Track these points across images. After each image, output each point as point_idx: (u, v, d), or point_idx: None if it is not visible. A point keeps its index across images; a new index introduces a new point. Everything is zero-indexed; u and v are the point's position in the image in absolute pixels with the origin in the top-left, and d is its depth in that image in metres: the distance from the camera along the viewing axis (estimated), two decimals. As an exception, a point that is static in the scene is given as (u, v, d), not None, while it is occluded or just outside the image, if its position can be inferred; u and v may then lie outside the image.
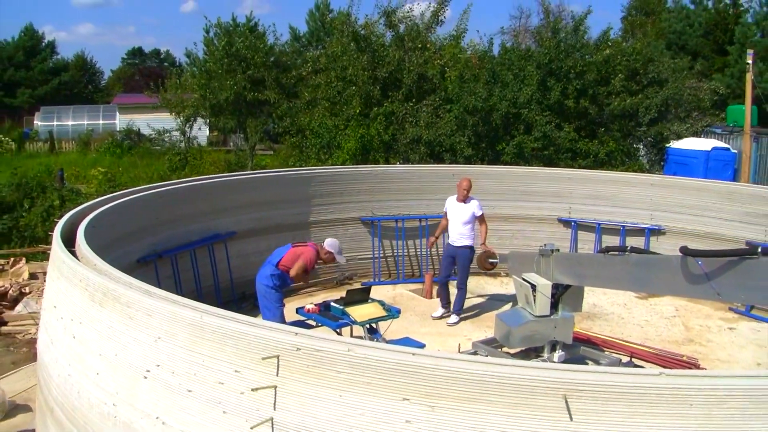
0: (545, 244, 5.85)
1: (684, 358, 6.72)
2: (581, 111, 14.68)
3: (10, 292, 8.79)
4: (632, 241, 9.03)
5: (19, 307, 8.52)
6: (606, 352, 6.52)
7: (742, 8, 29.28)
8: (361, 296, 6.84)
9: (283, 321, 6.35)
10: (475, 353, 5.98)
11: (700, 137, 16.32)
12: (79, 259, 4.45)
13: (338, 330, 6.38)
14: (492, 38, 17.64)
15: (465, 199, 7.90)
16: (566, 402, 2.73)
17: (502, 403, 2.80)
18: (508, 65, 15.00)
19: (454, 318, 7.86)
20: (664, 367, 6.38)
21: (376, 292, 7.86)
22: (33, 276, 9.57)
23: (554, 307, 5.70)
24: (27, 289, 8.92)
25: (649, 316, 8.21)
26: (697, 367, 6.57)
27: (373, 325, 6.67)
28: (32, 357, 6.83)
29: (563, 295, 5.71)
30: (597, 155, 14.18)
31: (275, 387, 3.10)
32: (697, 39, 28.82)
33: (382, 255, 9.55)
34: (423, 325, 7.76)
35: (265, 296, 6.50)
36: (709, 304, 8.34)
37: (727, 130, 19.03)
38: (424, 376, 2.88)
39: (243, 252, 8.39)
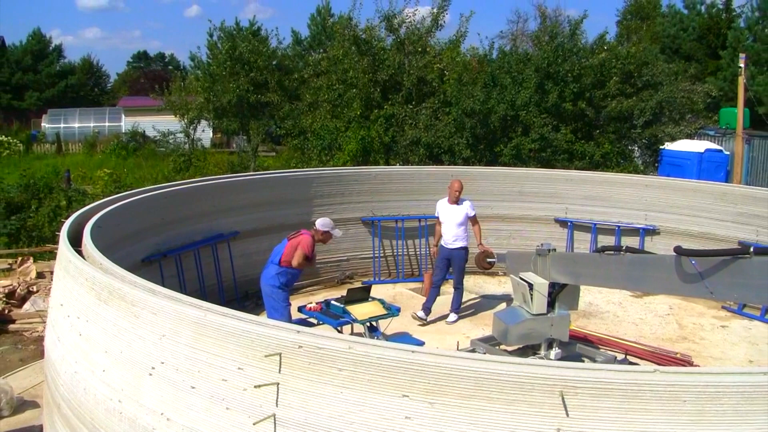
0: (542, 244, 5.85)
1: (678, 356, 6.72)
2: (578, 113, 14.68)
3: (18, 290, 8.79)
4: (627, 241, 9.03)
5: (26, 306, 8.52)
6: (601, 350, 6.52)
7: (734, 13, 29.31)
8: (362, 295, 6.84)
9: (290, 320, 6.34)
10: (473, 351, 5.97)
11: (693, 139, 16.34)
12: (85, 259, 4.45)
13: (339, 328, 6.37)
14: (492, 41, 17.65)
15: (457, 200, 7.84)
16: (563, 398, 2.73)
17: (500, 399, 2.80)
18: (507, 69, 15.00)
19: (452, 317, 7.85)
20: (659, 364, 6.38)
21: (377, 290, 7.86)
22: (40, 275, 9.56)
23: (551, 305, 5.70)
24: (34, 288, 8.92)
25: (643, 315, 8.21)
26: (691, 364, 6.57)
27: (374, 323, 6.67)
28: (40, 354, 6.83)
29: (560, 294, 5.71)
30: (593, 157, 14.18)
31: (277, 384, 3.10)
32: (691, 43, 28.82)
33: (382, 254, 9.55)
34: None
35: (271, 296, 6.46)
36: (703, 302, 8.34)
37: (719, 133, 19.06)
38: (423, 373, 2.88)
39: (246, 251, 8.39)
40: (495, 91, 14.31)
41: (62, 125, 35.49)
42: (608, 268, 5.12)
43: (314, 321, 6.62)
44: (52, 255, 10.20)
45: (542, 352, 5.82)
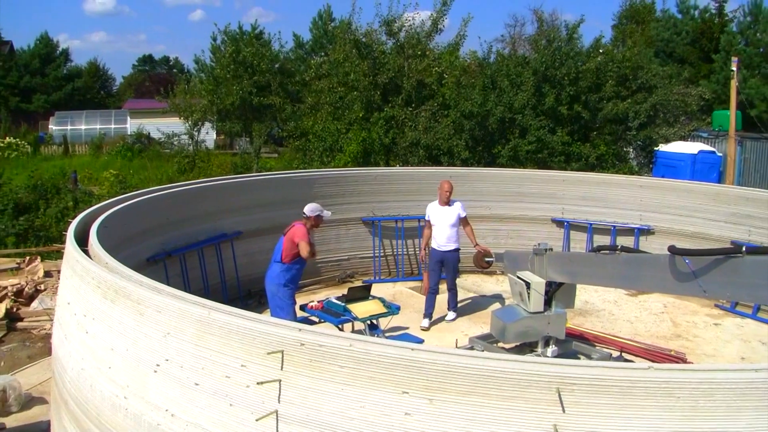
0: (539, 244, 5.84)
1: (672, 353, 6.72)
2: (574, 116, 14.68)
3: (26, 289, 8.79)
4: (622, 241, 9.03)
5: (34, 304, 8.53)
6: (597, 347, 6.51)
7: (727, 18, 29.31)
8: (362, 293, 6.84)
9: (295, 318, 6.31)
10: (471, 348, 5.97)
11: (687, 141, 16.35)
12: (91, 258, 4.45)
13: (340, 326, 6.37)
14: (491, 45, 17.66)
15: (448, 201, 7.67)
16: (559, 395, 2.73)
17: (497, 396, 2.80)
18: (505, 72, 15.00)
19: (451, 315, 7.82)
20: (653, 361, 6.38)
21: (377, 289, 7.86)
22: (48, 274, 9.57)
23: (548, 303, 5.69)
24: (42, 287, 8.93)
25: (638, 313, 8.21)
26: (684, 361, 6.57)
27: (374, 321, 6.67)
28: (47, 351, 6.84)
29: (556, 293, 5.70)
30: (589, 158, 14.17)
31: (280, 381, 3.10)
32: (685, 47, 28.83)
33: (382, 254, 9.54)
34: (422, 320, 7.75)
35: (277, 295, 6.39)
36: (696, 300, 8.33)
37: (713, 134, 19.07)
38: (422, 371, 2.88)
39: (249, 251, 8.38)
40: (493, 94, 14.31)
41: (69, 127, 35.50)
42: (604, 268, 5.12)
43: (316, 319, 6.62)
44: (59, 254, 10.21)
45: (539, 350, 5.81)
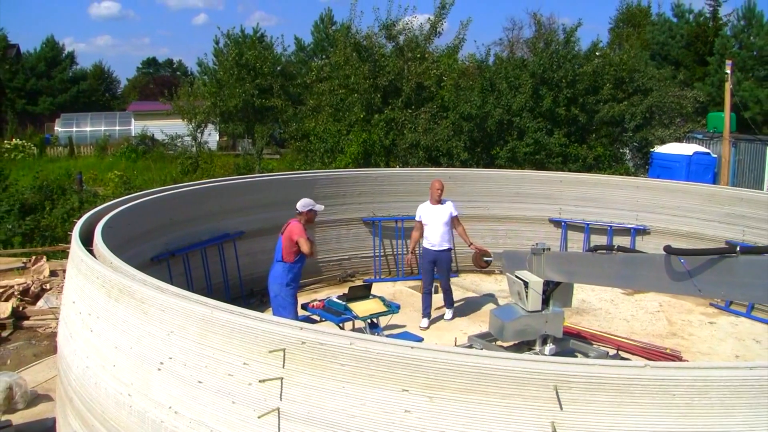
0: (537, 243, 5.84)
1: (667, 351, 6.72)
2: (571, 118, 14.68)
3: (32, 288, 8.79)
4: (619, 241, 9.02)
5: (40, 303, 8.52)
6: (594, 346, 6.50)
7: (721, 21, 29.31)
8: (363, 293, 6.84)
9: (297, 317, 6.29)
10: (470, 347, 5.96)
11: (682, 142, 16.32)
12: (96, 258, 4.45)
13: (341, 324, 6.37)
14: (489, 48, 17.67)
15: (439, 200, 7.56)
16: (557, 392, 2.73)
17: (496, 393, 2.80)
18: (503, 74, 15.00)
19: (449, 314, 7.78)
20: (649, 359, 6.38)
21: (377, 288, 7.86)
22: (53, 273, 9.57)
23: (545, 302, 5.69)
24: (48, 286, 8.92)
25: (634, 311, 8.20)
26: (680, 359, 6.57)
27: (374, 320, 6.67)
28: (53, 349, 6.83)
29: (554, 292, 5.70)
30: (586, 159, 14.18)
31: (281, 379, 3.10)
32: (680, 50, 28.82)
33: (382, 254, 9.54)
34: (421, 320, 7.74)
35: (279, 294, 6.36)
36: (691, 299, 8.33)
37: (707, 136, 19.05)
38: (422, 369, 2.88)
39: (251, 251, 8.38)
40: (492, 96, 14.30)
41: (74, 129, 35.49)
42: (601, 267, 5.12)
43: (317, 318, 6.62)
44: (64, 254, 10.21)
45: (537, 348, 5.81)
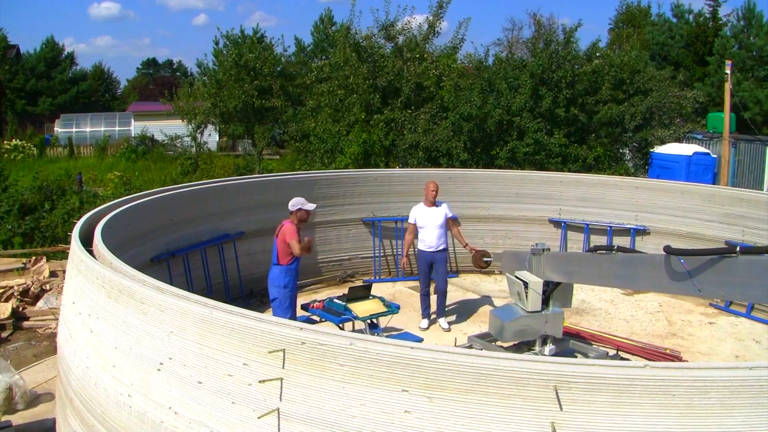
0: (537, 244, 5.84)
1: (667, 351, 6.72)
2: (571, 118, 14.67)
3: (32, 289, 8.78)
4: (618, 241, 9.03)
5: (40, 303, 8.52)
6: (594, 346, 6.51)
7: (720, 22, 29.31)
8: (363, 293, 6.84)
9: (296, 318, 6.28)
10: (470, 347, 5.96)
11: (682, 143, 16.31)
12: (96, 258, 4.45)
13: (341, 325, 6.37)
14: (488, 48, 17.66)
15: (434, 202, 7.51)
16: (557, 393, 2.73)
17: (496, 394, 2.80)
18: (503, 75, 14.99)
19: (445, 323, 7.54)
20: (649, 359, 6.38)
21: (377, 289, 7.86)
22: (53, 274, 9.57)
23: (545, 303, 5.69)
24: (48, 286, 8.92)
25: (634, 312, 8.20)
26: (679, 359, 6.56)
27: (374, 320, 6.67)
28: (53, 350, 6.83)
29: (554, 292, 5.70)
30: (586, 160, 14.17)
31: (281, 379, 3.10)
32: (679, 50, 28.82)
33: (382, 254, 9.54)
34: (421, 320, 7.74)
35: (278, 297, 6.35)
36: (691, 300, 8.33)
37: (707, 136, 19.04)
38: (422, 369, 2.88)
39: (251, 251, 8.38)
40: (491, 97, 14.30)
41: (74, 130, 35.51)
42: (600, 267, 5.11)
43: (317, 318, 6.61)
44: (64, 254, 10.21)
45: (537, 348, 5.81)
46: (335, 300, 6.67)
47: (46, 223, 11.94)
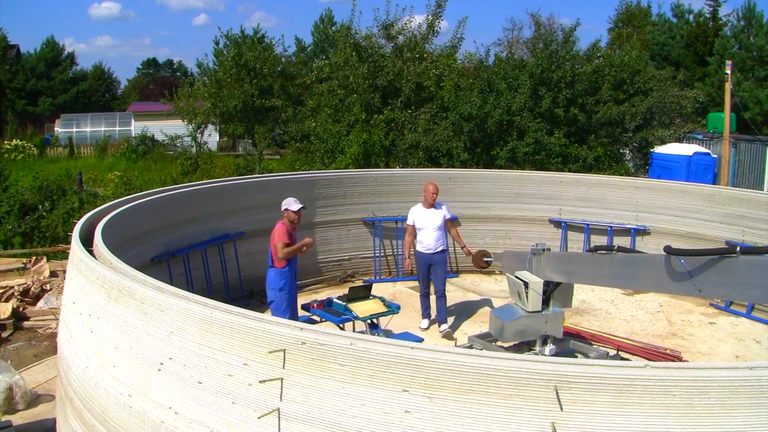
0: (537, 244, 5.84)
1: (667, 351, 6.72)
2: (571, 118, 14.67)
3: (32, 289, 8.78)
4: (619, 241, 9.02)
5: (40, 303, 8.52)
6: (594, 346, 6.51)
7: (721, 22, 29.31)
8: (363, 293, 6.83)
9: (296, 318, 6.26)
10: (470, 347, 5.96)
11: (682, 143, 16.30)
12: (96, 258, 4.45)
13: (341, 325, 6.36)
14: (488, 48, 17.65)
15: (433, 203, 7.44)
16: (557, 393, 2.72)
17: (496, 394, 2.79)
18: (503, 75, 14.99)
19: (444, 327, 7.42)
20: (649, 359, 6.38)
21: (377, 289, 7.86)
22: (54, 274, 9.56)
23: (545, 303, 5.69)
24: (48, 286, 8.92)
25: (634, 312, 8.20)
26: (680, 359, 6.56)
27: (374, 321, 6.66)
28: (53, 350, 6.83)
29: (554, 292, 5.70)
30: (586, 160, 14.16)
31: (281, 379, 3.09)
32: (679, 50, 28.82)
33: (382, 254, 9.54)
34: (421, 321, 7.74)
35: (275, 300, 6.32)
36: (691, 300, 8.33)
37: (707, 136, 19.03)
38: (422, 369, 2.87)
39: (251, 251, 8.38)
40: (491, 97, 14.30)
41: (74, 129, 35.51)
42: (601, 267, 5.11)
43: (317, 318, 6.61)
44: (64, 254, 10.20)
45: (537, 348, 5.81)
46: (336, 300, 6.67)
47: (47, 223, 11.94)
